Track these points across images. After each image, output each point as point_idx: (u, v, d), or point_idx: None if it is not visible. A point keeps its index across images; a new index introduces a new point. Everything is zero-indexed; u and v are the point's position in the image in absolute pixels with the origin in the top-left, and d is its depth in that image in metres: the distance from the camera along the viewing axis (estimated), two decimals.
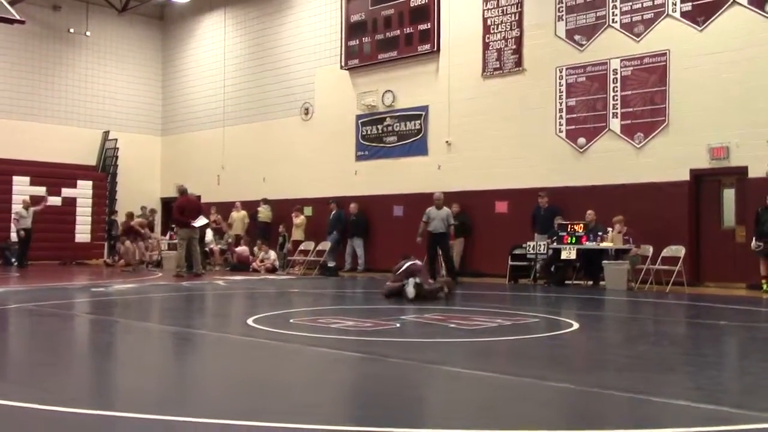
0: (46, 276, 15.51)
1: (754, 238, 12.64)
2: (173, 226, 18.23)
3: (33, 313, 9.36)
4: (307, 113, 20.82)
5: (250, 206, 20.63)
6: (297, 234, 19.32)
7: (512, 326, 7.93)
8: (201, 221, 16.61)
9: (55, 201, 22.17)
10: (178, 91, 24.91)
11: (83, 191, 22.99)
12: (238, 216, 20.84)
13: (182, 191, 16.97)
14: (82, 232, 22.95)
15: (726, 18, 13.75)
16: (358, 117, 19.47)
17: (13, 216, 20.15)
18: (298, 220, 19.39)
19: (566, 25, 15.77)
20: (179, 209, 16.47)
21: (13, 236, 20.95)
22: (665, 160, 14.28)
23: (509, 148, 16.45)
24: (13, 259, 20.67)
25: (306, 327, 7.68)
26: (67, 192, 22.55)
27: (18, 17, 13.81)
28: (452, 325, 7.90)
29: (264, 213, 20.43)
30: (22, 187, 21.55)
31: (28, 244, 19.88)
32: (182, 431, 3.66)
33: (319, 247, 18.28)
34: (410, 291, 10.62)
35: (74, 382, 5.16)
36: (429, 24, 17.96)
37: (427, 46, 18.01)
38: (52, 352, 6.42)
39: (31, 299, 10.79)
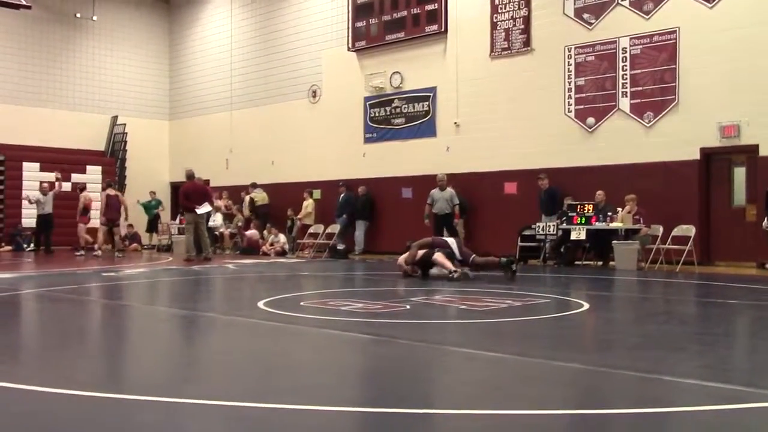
0: (56, 261, 15.60)
1: (766, 218, 12.57)
2: (181, 210, 18.29)
3: (44, 297, 9.43)
4: (314, 96, 20.78)
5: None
6: (306, 217, 19.36)
7: (522, 307, 7.93)
8: (204, 208, 16.54)
9: (65, 186, 22.25)
10: (186, 75, 24.90)
11: (93, 176, 23.07)
12: (260, 196, 20.87)
13: (189, 176, 17.00)
14: (92, 218, 22.98)
15: None
16: (366, 99, 19.42)
17: (28, 199, 19.78)
18: (306, 203, 19.42)
19: (575, 4, 15.65)
20: (185, 194, 16.52)
21: (26, 222, 21.08)
22: (675, 139, 14.21)
23: (518, 129, 16.38)
24: (25, 245, 20.81)
25: (316, 309, 7.70)
26: (76, 177, 22.63)
27: (24, 2, 13.83)
28: (462, 307, 7.91)
29: (259, 196, 20.47)
30: (32, 173, 21.67)
31: (51, 230, 19.56)
32: (192, 413, 3.69)
33: (329, 230, 18.31)
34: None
35: (85, 365, 5.20)
36: (436, 4, 17.85)
37: (434, 27, 17.92)
38: (63, 335, 6.47)
39: (42, 284, 10.86)
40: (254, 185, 20.61)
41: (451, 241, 11.63)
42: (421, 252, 11.29)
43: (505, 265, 10.88)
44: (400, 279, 11.21)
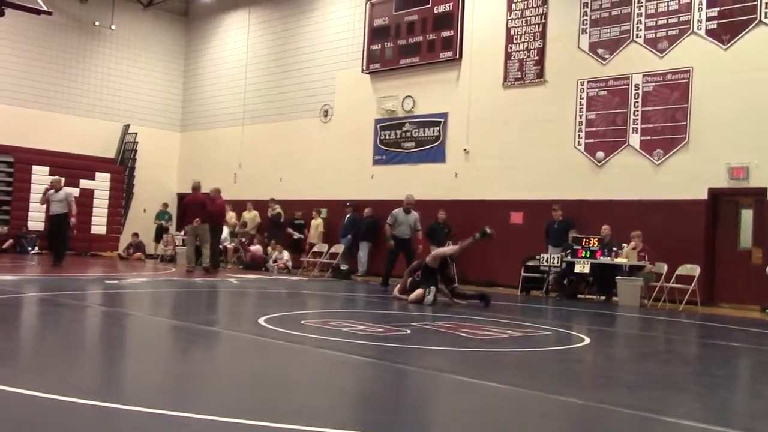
0: (60, 266, 15.58)
1: None
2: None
3: (46, 302, 9.42)
4: (326, 115, 20.87)
5: (265, 205, 20.67)
6: (314, 236, 19.43)
7: (523, 338, 7.89)
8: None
9: (72, 192, 22.31)
10: (199, 88, 25.05)
11: (101, 183, 23.18)
12: (250, 216, 20.98)
13: (193, 187, 17.07)
14: (98, 224, 23.12)
15: (751, 37, 13.67)
16: (377, 121, 19.48)
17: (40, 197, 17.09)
18: (316, 222, 19.49)
19: (590, 38, 15.72)
20: (183, 207, 16.73)
21: (32, 225, 21.12)
22: (684, 177, 14.19)
23: (527, 159, 16.40)
24: (29, 248, 20.85)
25: (316, 329, 7.68)
26: (85, 183, 22.72)
27: (45, 8, 13.93)
28: (463, 334, 7.87)
29: (278, 210, 20.56)
30: (41, 177, 21.71)
31: (65, 236, 16.45)
32: (186, 427, 3.67)
33: (333, 250, 18.30)
34: (429, 299, 10.77)
35: (83, 373, 5.18)
36: (452, 31, 17.95)
37: (449, 53, 18.01)
38: (62, 341, 6.45)
39: (45, 289, 10.86)
40: (273, 200, 20.67)
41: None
42: (409, 279, 11.39)
43: (482, 234, 11.52)
44: (401, 303, 11.19)
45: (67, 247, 16.95)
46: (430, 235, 16.36)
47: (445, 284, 11.31)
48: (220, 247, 19.75)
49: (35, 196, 21.30)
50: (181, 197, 23.90)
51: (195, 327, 7.73)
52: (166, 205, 23.40)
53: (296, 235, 19.85)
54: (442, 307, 10.73)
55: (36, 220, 21.49)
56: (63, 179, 17.57)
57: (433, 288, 10.94)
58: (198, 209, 16.50)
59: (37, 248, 21.11)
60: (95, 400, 4.07)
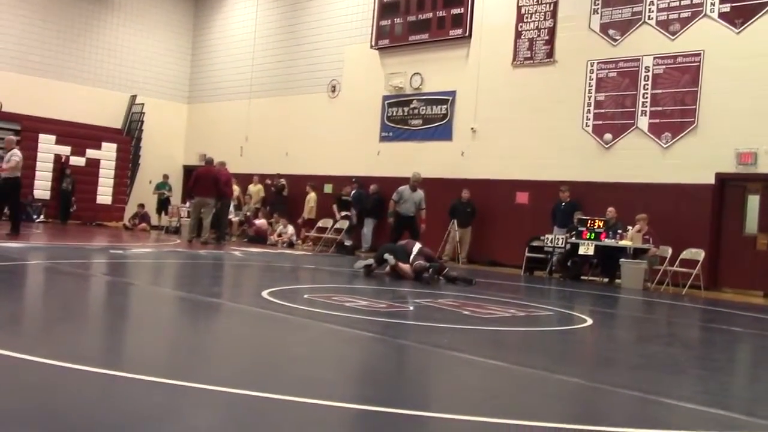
0: (65, 235, 15.65)
1: None
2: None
3: (50, 270, 9.46)
4: (333, 91, 20.79)
5: (270, 179, 20.71)
6: (307, 211, 19.43)
7: (525, 317, 7.91)
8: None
9: (79, 161, 22.38)
10: (207, 60, 24.96)
11: (107, 153, 23.20)
12: (255, 189, 20.99)
13: (206, 161, 17.28)
14: (104, 194, 23.17)
15: (764, 22, 13.55)
16: (385, 98, 19.41)
17: None
18: (309, 196, 19.48)
19: (601, 19, 15.59)
20: (194, 177, 16.94)
21: (37, 194, 21.21)
22: (691, 161, 14.14)
23: (534, 139, 16.34)
24: (35, 216, 20.94)
25: (320, 303, 7.70)
26: (91, 153, 22.76)
27: None
28: (466, 312, 7.89)
29: (282, 183, 20.61)
30: (47, 146, 21.79)
31: (14, 199, 14.60)
32: (187, 396, 3.69)
33: (337, 225, 18.31)
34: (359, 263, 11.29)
35: (87, 340, 5.22)
36: (462, 9, 17.82)
37: (458, 31, 17.89)
38: (66, 309, 6.49)
39: (50, 257, 10.91)
40: (279, 175, 20.64)
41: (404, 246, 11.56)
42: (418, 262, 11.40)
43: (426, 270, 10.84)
44: (405, 279, 11.19)
45: (19, 216, 14.86)
46: (452, 214, 16.24)
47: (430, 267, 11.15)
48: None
49: (42, 164, 21.38)
50: (187, 169, 23.96)
51: (198, 298, 7.76)
52: (166, 177, 23.39)
53: (341, 214, 18.53)
54: (445, 285, 10.75)
55: (42, 189, 21.58)
56: (16, 139, 15.84)
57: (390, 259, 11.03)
58: (210, 184, 16.60)
59: (42, 216, 21.18)
60: (100, 367, 4.10)
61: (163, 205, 22.85)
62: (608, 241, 13.64)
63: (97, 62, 23.66)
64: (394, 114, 19.24)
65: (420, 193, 14.53)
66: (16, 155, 14.18)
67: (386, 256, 11.16)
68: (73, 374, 3.94)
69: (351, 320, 6.67)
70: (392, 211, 14.45)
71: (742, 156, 13.63)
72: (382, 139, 19.42)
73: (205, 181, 16.62)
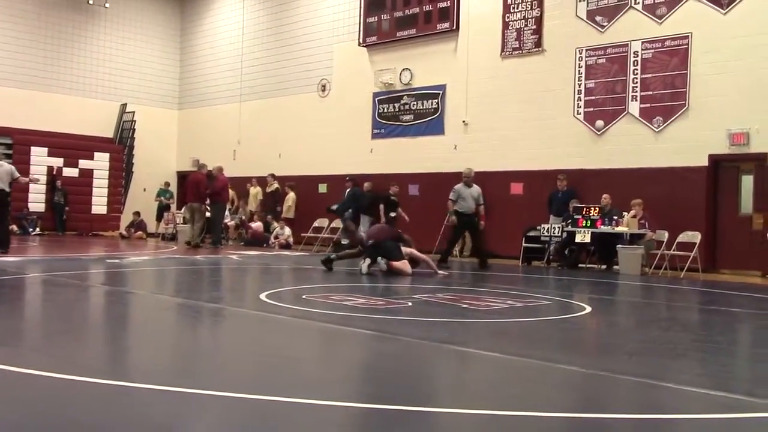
0: (62, 247, 15.63)
1: None
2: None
3: (49, 282, 9.45)
4: (323, 90, 20.77)
5: (265, 182, 20.67)
6: (285, 210, 19.48)
7: (524, 308, 7.93)
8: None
9: (72, 173, 22.35)
10: (196, 65, 24.92)
11: (100, 163, 23.17)
12: (254, 192, 20.96)
13: (198, 167, 17.29)
14: (99, 204, 23.15)
15: (750, 2, 13.55)
16: (375, 95, 19.40)
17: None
18: (288, 196, 19.54)
19: (587, 6, 15.59)
20: (185, 185, 16.99)
21: (32, 206, 21.18)
22: (684, 144, 14.16)
23: (526, 130, 16.35)
24: (31, 229, 20.91)
25: (318, 303, 7.71)
26: (84, 164, 22.73)
27: None
28: (464, 306, 7.90)
29: (275, 186, 20.58)
30: (40, 158, 21.75)
31: (6, 216, 13.80)
32: (191, 403, 3.69)
33: (333, 225, 18.30)
34: (363, 268, 11.34)
35: (89, 351, 5.21)
36: (448, 2, 17.81)
37: (446, 24, 17.89)
38: (67, 321, 6.48)
39: (48, 269, 10.89)
40: (273, 176, 20.61)
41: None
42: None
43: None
44: (402, 276, 11.21)
45: (8, 230, 14.04)
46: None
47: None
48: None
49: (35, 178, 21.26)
50: (181, 176, 23.94)
51: (198, 304, 7.76)
52: (167, 184, 23.44)
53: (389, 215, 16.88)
54: (443, 279, 10.76)
55: (36, 201, 21.54)
56: None
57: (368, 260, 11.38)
58: (193, 188, 16.68)
59: (38, 229, 21.16)
60: (102, 378, 4.10)
61: (161, 212, 22.82)
62: (604, 228, 13.66)
63: (85, 72, 23.60)
64: (385, 110, 19.23)
65: (477, 189, 14.14)
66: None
67: (379, 259, 11.34)
68: (79, 386, 3.94)
69: (350, 319, 6.68)
70: (452, 211, 14.19)
71: (735, 137, 13.66)
72: (374, 136, 19.42)
73: (190, 187, 16.77)
